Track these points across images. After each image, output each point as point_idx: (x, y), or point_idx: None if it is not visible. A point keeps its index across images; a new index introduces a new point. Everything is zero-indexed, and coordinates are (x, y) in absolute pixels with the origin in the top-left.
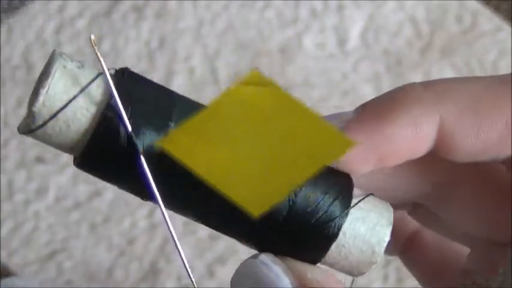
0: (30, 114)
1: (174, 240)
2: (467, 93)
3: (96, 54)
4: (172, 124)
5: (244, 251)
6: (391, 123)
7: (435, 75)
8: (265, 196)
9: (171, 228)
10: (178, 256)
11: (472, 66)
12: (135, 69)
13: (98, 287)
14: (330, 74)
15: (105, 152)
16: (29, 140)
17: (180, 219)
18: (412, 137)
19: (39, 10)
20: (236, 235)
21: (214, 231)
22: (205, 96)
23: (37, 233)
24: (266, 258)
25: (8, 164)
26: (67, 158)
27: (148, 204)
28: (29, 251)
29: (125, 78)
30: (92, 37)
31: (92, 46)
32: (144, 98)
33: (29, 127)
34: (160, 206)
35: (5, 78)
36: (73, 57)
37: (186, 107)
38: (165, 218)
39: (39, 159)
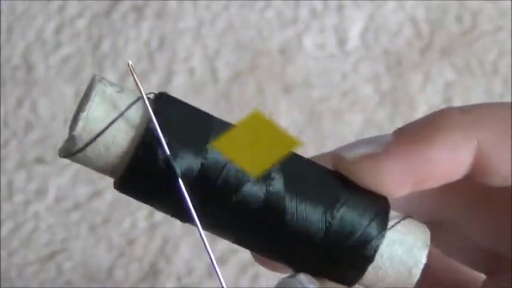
0: (71, 138)
1: (213, 263)
2: (503, 117)
3: (135, 80)
4: (210, 148)
5: (244, 251)
6: (430, 147)
7: (435, 75)
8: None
9: (210, 250)
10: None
11: (472, 66)
12: (135, 70)
13: None
14: (329, 74)
15: (144, 175)
16: (28, 140)
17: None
18: (450, 160)
19: (39, 10)
20: (273, 255)
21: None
22: (205, 96)
23: (37, 233)
24: (304, 278)
25: (8, 165)
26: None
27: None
28: (29, 252)
29: (163, 102)
30: (130, 63)
31: (131, 72)
32: (182, 121)
33: (70, 150)
34: (198, 227)
35: (4, 78)
36: (73, 56)
37: (223, 130)
38: (203, 239)
39: (39, 160)
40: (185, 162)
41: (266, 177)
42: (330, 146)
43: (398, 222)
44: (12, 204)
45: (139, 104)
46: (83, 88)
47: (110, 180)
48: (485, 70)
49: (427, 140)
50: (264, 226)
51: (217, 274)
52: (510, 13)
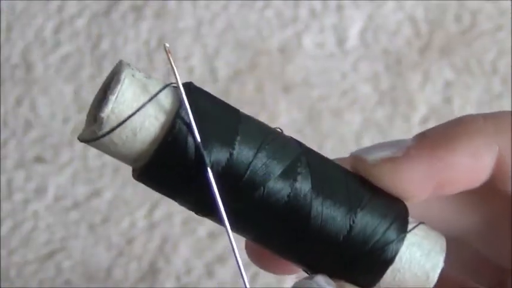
0: (97, 121)
1: (236, 258)
2: None
3: (170, 63)
4: (238, 138)
5: (243, 252)
6: (452, 152)
7: (434, 75)
8: None
9: (235, 246)
10: (178, 256)
11: (471, 65)
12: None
13: (97, 287)
14: (329, 74)
15: (170, 163)
16: (28, 139)
17: (179, 217)
18: (471, 166)
19: (39, 9)
20: (291, 255)
21: (213, 231)
22: None
23: (36, 232)
24: (321, 279)
25: (7, 164)
26: (66, 157)
27: (147, 204)
28: (28, 251)
29: (192, 91)
30: (167, 45)
31: (167, 55)
32: (211, 112)
33: (95, 134)
34: (224, 222)
35: (4, 77)
36: (72, 55)
37: (251, 123)
38: (228, 235)
39: (38, 159)
40: (214, 152)
41: (292, 172)
42: (329, 145)
43: (416, 226)
44: (11, 203)
45: (169, 90)
46: (83, 87)
47: (109, 180)
48: (484, 69)
49: (449, 146)
50: (287, 224)
51: (242, 276)
52: (510, 12)
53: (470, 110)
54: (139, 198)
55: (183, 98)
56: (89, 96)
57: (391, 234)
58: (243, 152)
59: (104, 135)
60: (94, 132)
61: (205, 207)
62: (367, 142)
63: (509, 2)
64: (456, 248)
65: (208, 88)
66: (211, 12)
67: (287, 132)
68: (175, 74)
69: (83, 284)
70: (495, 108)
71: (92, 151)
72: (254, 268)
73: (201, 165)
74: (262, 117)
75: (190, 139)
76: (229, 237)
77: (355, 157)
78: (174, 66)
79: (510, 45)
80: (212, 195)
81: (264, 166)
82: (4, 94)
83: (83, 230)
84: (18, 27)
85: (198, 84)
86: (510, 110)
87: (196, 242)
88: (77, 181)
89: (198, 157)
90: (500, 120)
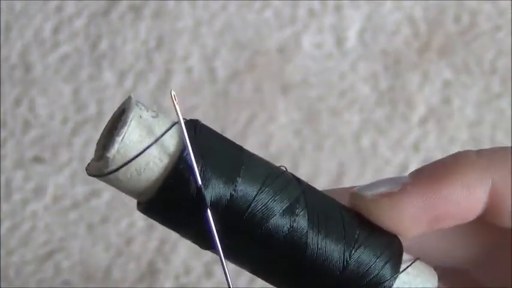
0: (103, 159)
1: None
2: None
3: (176, 110)
4: (239, 180)
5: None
6: (446, 186)
7: (433, 75)
8: None
9: (230, 283)
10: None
11: (470, 65)
12: (133, 69)
13: (96, 287)
14: (328, 74)
15: (172, 201)
16: (26, 139)
17: None
18: (465, 199)
19: (37, 9)
20: None
21: None
22: (203, 95)
23: (35, 232)
24: None
25: (6, 164)
26: (65, 157)
27: None
28: (27, 251)
29: (196, 130)
30: (173, 93)
31: (173, 102)
32: (214, 151)
33: (102, 171)
34: (221, 258)
35: (3, 77)
36: (71, 56)
37: (253, 163)
38: (224, 269)
39: (37, 159)
40: (215, 192)
41: (291, 212)
42: (328, 145)
43: (411, 264)
44: (10, 204)
45: (173, 130)
46: (81, 87)
47: None
48: (483, 70)
49: (444, 179)
50: (285, 260)
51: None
52: (509, 13)
53: (470, 110)
54: None
55: (186, 143)
56: (88, 96)
57: (386, 272)
58: (244, 193)
59: (109, 173)
60: (101, 169)
61: (205, 243)
62: (366, 142)
63: (509, 2)
64: (454, 277)
65: (207, 88)
66: (209, 13)
67: (287, 132)
68: (179, 119)
69: (82, 284)
70: (494, 108)
71: (91, 151)
72: None
73: (201, 205)
74: (261, 118)
75: (191, 180)
76: (224, 270)
77: (354, 194)
78: (179, 113)
79: (509, 45)
80: (210, 233)
81: (264, 207)
82: (3, 94)
83: (82, 230)
84: (17, 28)
85: (196, 84)
86: (509, 121)
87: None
88: (75, 181)
89: (199, 198)
90: (493, 156)
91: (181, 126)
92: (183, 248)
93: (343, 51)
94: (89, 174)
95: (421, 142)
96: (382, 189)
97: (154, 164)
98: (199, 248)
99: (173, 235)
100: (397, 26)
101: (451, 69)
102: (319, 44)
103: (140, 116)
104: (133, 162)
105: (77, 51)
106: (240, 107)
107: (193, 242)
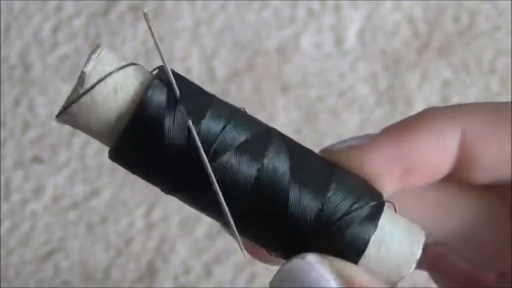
0: (79, 80)
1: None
2: (486, 108)
3: (149, 27)
4: (207, 115)
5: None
6: (415, 134)
7: (433, 75)
8: None
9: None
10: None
11: (469, 65)
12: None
13: (95, 287)
14: (327, 74)
15: (152, 121)
16: (26, 139)
17: (177, 217)
18: (435, 148)
19: (37, 10)
20: (268, 240)
21: (211, 231)
22: None
23: (34, 232)
24: (313, 258)
25: (5, 164)
26: (64, 157)
27: (146, 204)
28: (26, 251)
29: (173, 72)
30: (145, 10)
31: (146, 21)
32: (187, 88)
33: (77, 93)
34: (215, 185)
35: (2, 77)
36: (70, 56)
37: (223, 103)
38: (219, 196)
39: (37, 159)
40: (193, 105)
41: (263, 142)
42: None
43: (395, 210)
44: (9, 204)
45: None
46: None
47: (108, 180)
48: (482, 69)
49: (413, 128)
50: (266, 206)
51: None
52: (508, 13)
53: None
54: (138, 198)
55: (162, 58)
56: None
57: (371, 207)
58: (212, 123)
59: (85, 92)
60: (76, 91)
61: (192, 178)
62: None
63: (508, 2)
64: (440, 252)
65: (207, 88)
66: (209, 13)
67: (286, 131)
68: (153, 36)
69: (81, 284)
70: None
71: (90, 151)
72: (252, 268)
73: (181, 117)
74: (261, 117)
75: (170, 96)
76: (220, 198)
77: (325, 149)
78: (155, 33)
79: (508, 45)
80: (196, 145)
81: (233, 136)
82: (2, 94)
83: (81, 230)
84: (16, 28)
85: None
86: None
87: (194, 242)
88: (75, 181)
89: (177, 111)
90: (463, 107)
91: (157, 44)
92: (183, 247)
93: (342, 51)
94: (59, 117)
95: None
96: (351, 142)
97: (131, 81)
98: (199, 248)
99: (173, 235)
100: (397, 26)
101: (451, 69)
102: (319, 44)
103: (112, 50)
104: (109, 79)
105: (77, 51)
106: (239, 107)
107: (165, 183)
